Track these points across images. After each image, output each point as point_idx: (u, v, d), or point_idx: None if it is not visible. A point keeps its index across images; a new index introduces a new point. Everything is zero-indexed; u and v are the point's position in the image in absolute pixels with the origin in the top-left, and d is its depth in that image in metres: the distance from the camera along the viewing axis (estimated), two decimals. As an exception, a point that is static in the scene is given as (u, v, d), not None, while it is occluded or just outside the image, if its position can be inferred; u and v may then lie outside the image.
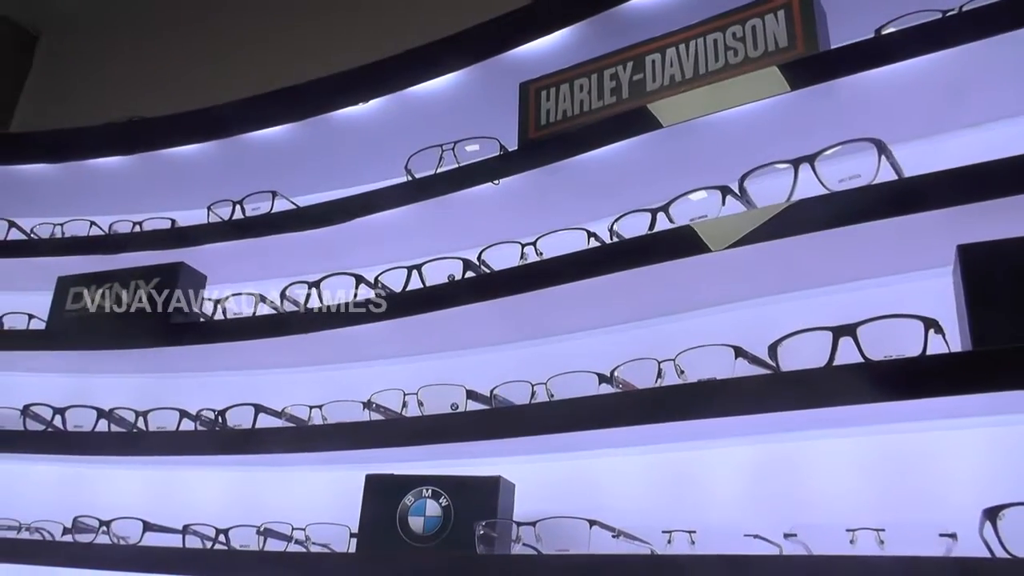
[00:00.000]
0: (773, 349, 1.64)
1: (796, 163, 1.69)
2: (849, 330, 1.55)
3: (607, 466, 2.05)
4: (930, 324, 1.50)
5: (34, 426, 2.65)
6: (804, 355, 1.59)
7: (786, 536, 1.58)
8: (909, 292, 1.74)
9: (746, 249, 1.71)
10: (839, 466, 1.76)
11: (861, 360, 1.52)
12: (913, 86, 1.74)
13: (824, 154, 1.67)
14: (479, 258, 2.16)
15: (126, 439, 2.47)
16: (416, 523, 2.00)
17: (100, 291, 2.74)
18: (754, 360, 1.67)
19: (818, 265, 1.78)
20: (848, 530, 1.56)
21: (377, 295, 2.25)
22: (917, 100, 1.78)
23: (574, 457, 2.09)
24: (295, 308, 2.40)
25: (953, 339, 1.50)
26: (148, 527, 2.31)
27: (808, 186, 1.67)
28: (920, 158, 1.66)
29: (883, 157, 1.62)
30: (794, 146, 1.73)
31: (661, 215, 1.88)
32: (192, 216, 2.83)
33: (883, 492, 1.70)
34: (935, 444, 1.66)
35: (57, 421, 2.61)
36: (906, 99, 1.78)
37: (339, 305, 2.28)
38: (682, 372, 1.74)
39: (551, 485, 2.07)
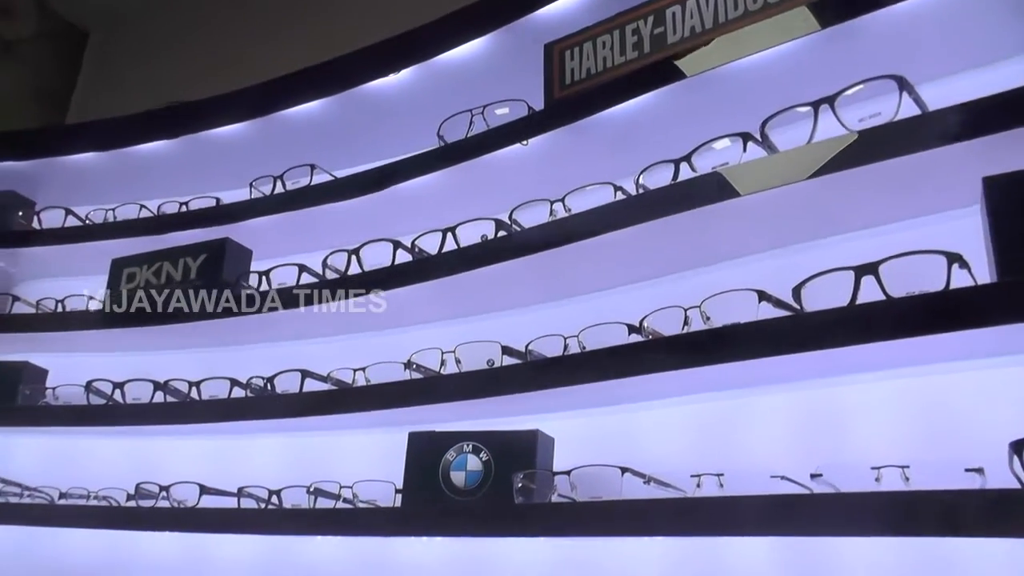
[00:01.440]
0: (797, 292, 1.65)
1: (816, 105, 1.69)
2: (871, 268, 1.54)
3: (641, 420, 2.09)
4: (953, 259, 1.49)
5: (97, 401, 2.75)
6: (828, 298, 1.60)
7: (812, 477, 1.59)
8: (936, 234, 1.72)
9: (769, 194, 1.72)
10: (867, 409, 1.77)
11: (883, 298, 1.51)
12: (936, 21, 1.72)
13: (845, 94, 1.67)
14: (510, 217, 2.19)
15: (181, 408, 2.55)
16: (458, 477, 2.05)
17: (151, 270, 2.83)
18: (778, 303, 1.68)
19: (842, 209, 1.78)
20: (873, 468, 1.56)
21: (413, 257, 2.30)
22: (938, 38, 1.76)
23: (608, 412, 2.13)
24: (336, 276, 2.45)
25: (981, 276, 1.49)
26: (205, 490, 2.40)
27: (830, 130, 1.67)
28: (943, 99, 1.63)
29: (905, 94, 1.61)
30: (815, 92, 1.73)
31: (684, 165, 1.89)
32: (236, 195, 2.90)
33: (910, 432, 1.70)
34: (961, 383, 1.66)
35: (117, 395, 2.70)
36: (927, 36, 1.76)
37: (375, 271, 2.32)
38: (708, 319, 1.76)
39: (587, 440, 2.10)
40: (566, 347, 1.99)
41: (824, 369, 1.73)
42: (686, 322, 1.80)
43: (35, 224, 3.26)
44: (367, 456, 2.41)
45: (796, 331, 1.59)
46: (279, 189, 2.75)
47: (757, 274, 1.94)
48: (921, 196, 1.71)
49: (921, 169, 1.60)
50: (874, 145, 1.59)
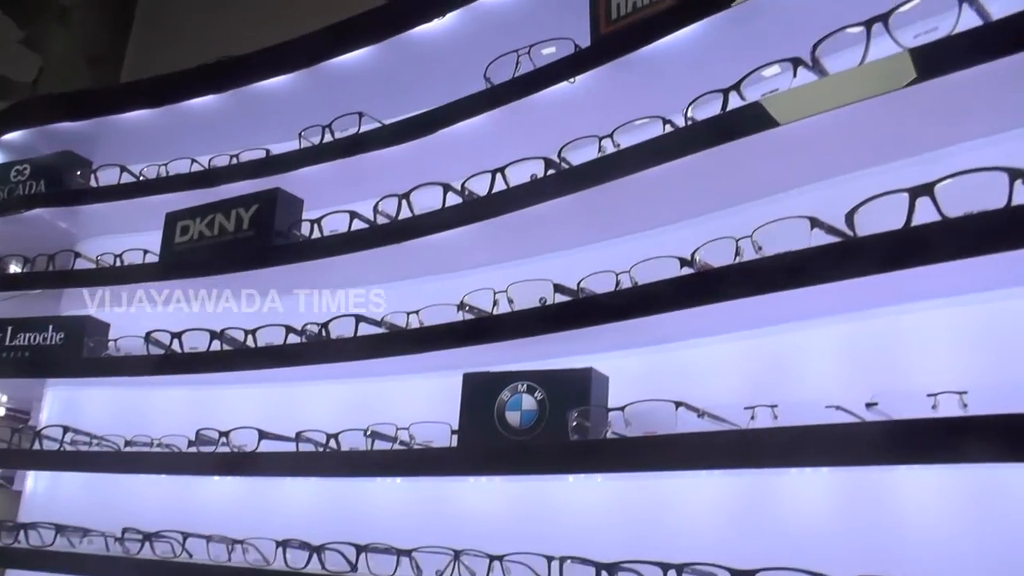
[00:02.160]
0: (850, 217, 1.63)
1: (869, 24, 1.66)
2: (926, 189, 1.52)
3: (694, 357, 2.10)
4: (1016, 174, 1.44)
5: (156, 352, 2.83)
6: (882, 224, 1.57)
7: (868, 406, 1.59)
8: (993, 156, 1.65)
9: (820, 121, 1.70)
10: (924, 338, 1.76)
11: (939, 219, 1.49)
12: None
13: (899, 11, 1.63)
14: (559, 155, 2.19)
15: (237, 355, 2.61)
16: (513, 417, 2.08)
17: (205, 222, 2.89)
18: (831, 230, 1.67)
19: (895, 134, 1.75)
20: (930, 395, 1.55)
21: (464, 200, 2.33)
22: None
23: (661, 351, 2.15)
24: (387, 221, 2.48)
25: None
26: (263, 435, 2.47)
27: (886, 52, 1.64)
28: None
29: (964, 5, 1.56)
30: (866, 15, 1.69)
31: (733, 95, 1.87)
32: (285, 147, 2.94)
33: (969, 360, 1.68)
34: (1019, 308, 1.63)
35: (175, 345, 2.77)
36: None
37: (426, 214, 2.34)
38: (759, 248, 1.75)
39: (641, 379, 2.10)
40: (618, 283, 2.00)
41: (878, 297, 1.72)
42: (738, 253, 1.79)
43: (92, 182, 3.34)
44: (422, 401, 2.45)
45: (850, 255, 1.58)
46: (328, 138, 2.79)
47: (810, 205, 1.91)
48: (977, 116, 1.67)
49: (978, 86, 1.56)
50: (931, 61, 1.54)
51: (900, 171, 1.80)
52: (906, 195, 1.54)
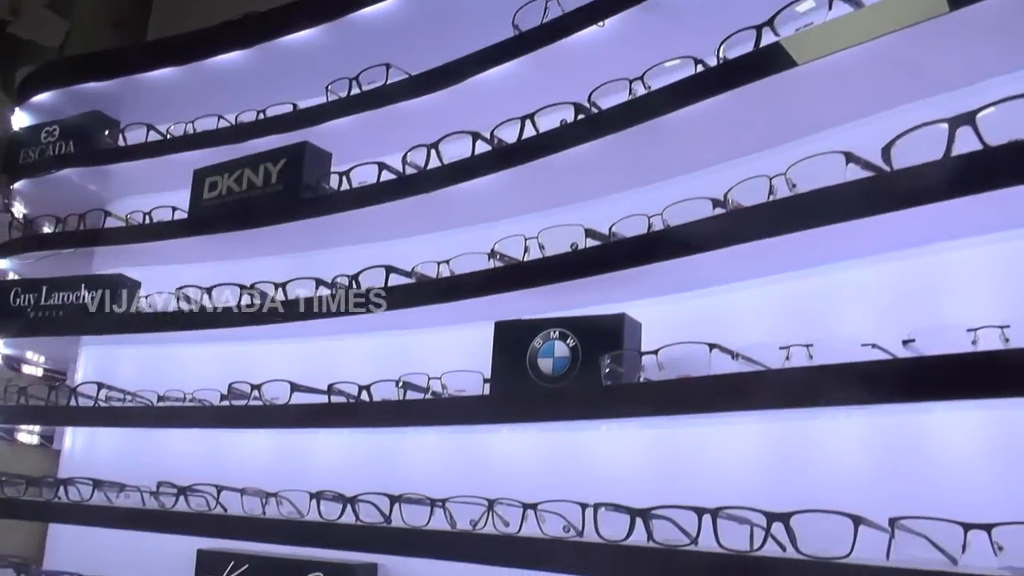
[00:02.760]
0: (886, 151, 1.61)
1: (905, -48, 1.62)
2: (967, 118, 1.49)
3: (727, 302, 2.10)
4: None
5: (187, 307, 2.86)
6: (921, 158, 1.55)
7: (905, 343, 1.58)
8: None
9: (857, 53, 1.67)
10: (963, 275, 1.74)
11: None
12: None
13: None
14: (589, 100, 2.18)
15: (268, 308, 2.64)
16: (545, 364, 2.09)
17: (233, 177, 2.91)
18: (867, 165, 1.64)
19: (936, 62, 1.72)
20: (969, 330, 1.53)
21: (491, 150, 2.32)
22: None
23: (694, 296, 2.15)
24: (416, 171, 2.48)
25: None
26: (296, 388, 2.49)
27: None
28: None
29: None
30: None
31: (767, 31, 1.85)
32: (313, 102, 2.94)
33: (1010, 297, 1.66)
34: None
35: (206, 300, 2.81)
36: None
37: (455, 162, 2.35)
38: (794, 186, 1.74)
39: (674, 325, 2.10)
40: (650, 226, 1.99)
41: (916, 234, 1.70)
42: (771, 191, 1.77)
43: (120, 142, 3.38)
44: (454, 352, 2.45)
45: (886, 188, 1.56)
46: (355, 91, 2.79)
47: (846, 145, 1.89)
48: (1019, 45, 1.64)
49: (1020, 12, 1.53)
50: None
51: (940, 106, 1.76)
52: (946, 125, 1.51)
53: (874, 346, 1.58)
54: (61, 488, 2.88)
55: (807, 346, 1.71)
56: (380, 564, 2.55)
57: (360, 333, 2.71)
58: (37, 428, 3.57)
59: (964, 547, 1.40)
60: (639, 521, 1.77)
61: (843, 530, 1.49)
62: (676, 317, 2.13)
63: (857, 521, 1.49)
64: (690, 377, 1.79)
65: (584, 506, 1.89)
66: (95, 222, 3.24)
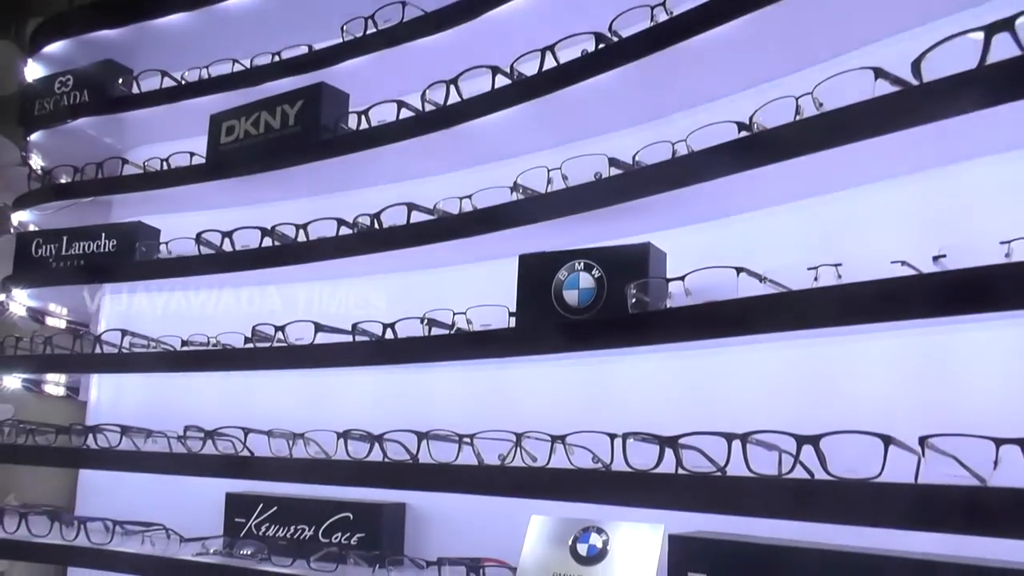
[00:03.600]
0: (916, 65, 1.59)
1: None
2: (1005, 24, 1.46)
3: (753, 230, 2.10)
4: None
5: (208, 252, 2.90)
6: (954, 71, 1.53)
7: (935, 259, 1.57)
8: None
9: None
10: (995, 191, 1.72)
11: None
12: None
13: None
14: (610, 29, 2.17)
15: (290, 250, 2.66)
16: (571, 296, 2.10)
17: (250, 121, 2.92)
18: (896, 81, 1.63)
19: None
20: (1003, 242, 1.53)
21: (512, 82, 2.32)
22: None
23: (719, 226, 2.15)
24: (435, 108, 2.48)
25: None
26: (320, 328, 2.52)
27: None
28: None
29: None
30: None
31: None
32: (328, 44, 2.93)
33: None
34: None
35: (226, 245, 2.83)
36: None
37: (475, 97, 2.34)
38: (820, 105, 1.73)
39: (699, 255, 2.08)
40: (674, 152, 1.99)
41: (945, 151, 1.70)
42: (798, 112, 1.76)
43: (134, 90, 3.38)
44: (478, 290, 2.44)
45: (917, 102, 1.55)
46: (371, 30, 2.78)
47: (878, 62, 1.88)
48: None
49: None
50: None
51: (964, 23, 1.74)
52: (981, 33, 1.49)
53: (903, 263, 1.58)
54: (90, 436, 2.93)
55: (836, 266, 1.71)
56: (408, 504, 2.60)
57: (384, 273, 2.73)
58: (63, 379, 3.64)
59: (996, 463, 1.41)
60: (668, 452, 1.79)
61: (873, 452, 1.51)
62: (702, 247, 2.13)
63: (887, 441, 1.50)
64: (718, 301, 1.79)
65: (612, 436, 1.91)
66: (113, 170, 3.25)
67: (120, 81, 3.44)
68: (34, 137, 3.62)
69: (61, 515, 3.00)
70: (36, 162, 3.64)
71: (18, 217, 3.55)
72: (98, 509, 3.01)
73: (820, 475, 1.57)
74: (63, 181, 3.43)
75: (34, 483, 3.97)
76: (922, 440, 1.48)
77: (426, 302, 2.46)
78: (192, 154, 3.07)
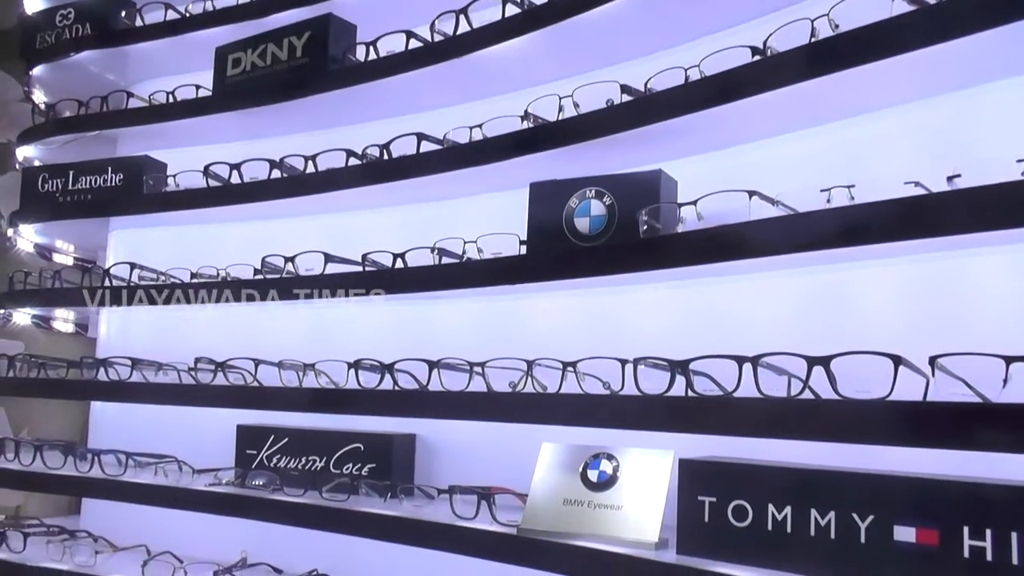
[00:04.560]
0: (934, -15, 1.60)
1: None
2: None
3: (765, 157, 2.12)
4: None
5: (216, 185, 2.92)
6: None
7: (949, 179, 1.58)
8: None
9: None
10: (1011, 113, 1.73)
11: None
12: None
13: None
14: (624, -51, 2.16)
15: (299, 181, 2.68)
16: (582, 223, 2.13)
17: (256, 53, 2.92)
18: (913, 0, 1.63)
19: None
20: (1020, 160, 1.54)
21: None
22: None
23: (730, 155, 2.18)
24: (443, 38, 2.48)
25: None
26: (329, 259, 2.55)
27: None
28: None
29: None
30: None
31: None
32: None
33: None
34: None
35: (235, 177, 2.85)
36: None
37: (485, 26, 2.35)
38: (836, 27, 1.73)
39: (711, 184, 2.10)
40: (687, 79, 1.99)
41: (958, 77, 1.70)
42: (813, 35, 1.77)
43: (137, 23, 3.37)
44: (489, 221, 2.45)
45: (929, 20, 1.55)
46: (378, -43, 2.77)
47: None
48: None
49: None
50: None
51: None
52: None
53: (917, 184, 1.60)
54: (100, 369, 2.97)
55: (848, 187, 1.72)
56: (418, 435, 2.65)
57: (393, 205, 2.76)
58: (72, 316, 3.68)
59: (1005, 380, 1.44)
60: (679, 380, 1.82)
61: (882, 375, 1.54)
62: (713, 175, 2.14)
63: (897, 361, 1.54)
64: (730, 224, 1.81)
65: (623, 362, 1.94)
66: (118, 104, 3.26)
67: (123, 14, 3.42)
68: (36, 71, 3.62)
69: (75, 448, 3.06)
70: (39, 97, 3.65)
71: (23, 152, 3.57)
72: (109, 445, 3.07)
73: (829, 397, 1.60)
74: (67, 115, 3.43)
75: (46, 419, 4.05)
76: (932, 360, 1.51)
77: (436, 234, 2.48)
78: (198, 87, 3.07)
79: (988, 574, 1.42)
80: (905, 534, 1.53)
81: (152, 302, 2.90)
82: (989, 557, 1.43)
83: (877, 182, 1.72)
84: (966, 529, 1.46)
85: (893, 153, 1.89)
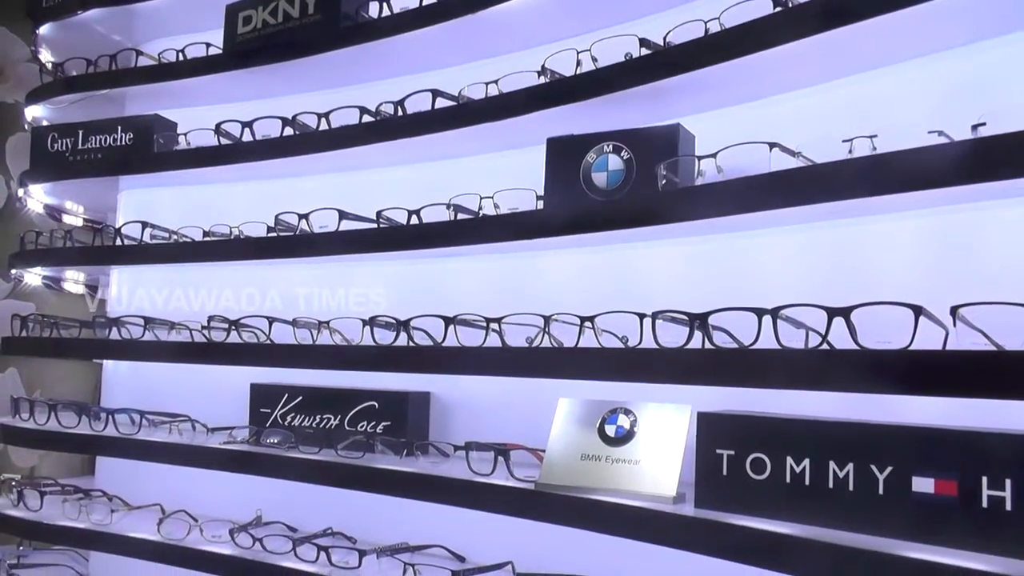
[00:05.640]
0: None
1: None
2: None
3: (785, 112, 2.11)
4: None
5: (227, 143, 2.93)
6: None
7: (974, 128, 1.59)
8: None
9: None
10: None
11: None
12: None
13: None
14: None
15: (312, 138, 2.69)
16: (599, 178, 2.14)
17: (267, 10, 2.92)
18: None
19: None
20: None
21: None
22: None
23: (747, 109, 2.18)
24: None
25: None
26: (344, 215, 2.56)
27: None
28: None
29: None
30: None
31: None
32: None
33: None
34: None
35: (247, 136, 2.87)
36: None
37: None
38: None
39: (730, 138, 2.11)
40: (707, 31, 1.99)
41: (970, 30, 1.70)
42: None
43: (147, -20, 3.37)
44: (505, 179, 2.42)
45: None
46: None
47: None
48: None
49: None
50: None
51: None
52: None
53: (940, 133, 1.60)
54: (113, 328, 3.00)
55: (871, 137, 1.73)
56: (433, 393, 2.68)
57: (408, 163, 2.77)
58: (82, 277, 3.70)
59: (1027, 332, 1.46)
60: (697, 335, 1.84)
61: (902, 327, 1.55)
62: (731, 130, 2.13)
63: (918, 312, 1.55)
64: (751, 175, 1.81)
65: (642, 316, 1.96)
66: (127, 62, 3.26)
67: (131, -29, 3.42)
68: (43, 31, 3.61)
69: (89, 408, 3.09)
70: (46, 57, 3.65)
71: (31, 112, 3.57)
72: (122, 405, 3.10)
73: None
74: (75, 74, 3.43)
75: (58, 380, 4.09)
76: (954, 309, 1.52)
77: (452, 193, 2.48)
78: (208, 45, 3.07)
79: (1007, 524, 1.44)
80: (923, 485, 1.54)
81: (168, 260, 2.91)
82: (1008, 507, 1.44)
83: (900, 132, 1.74)
84: (984, 479, 1.47)
85: (915, 105, 1.89)
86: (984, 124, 1.55)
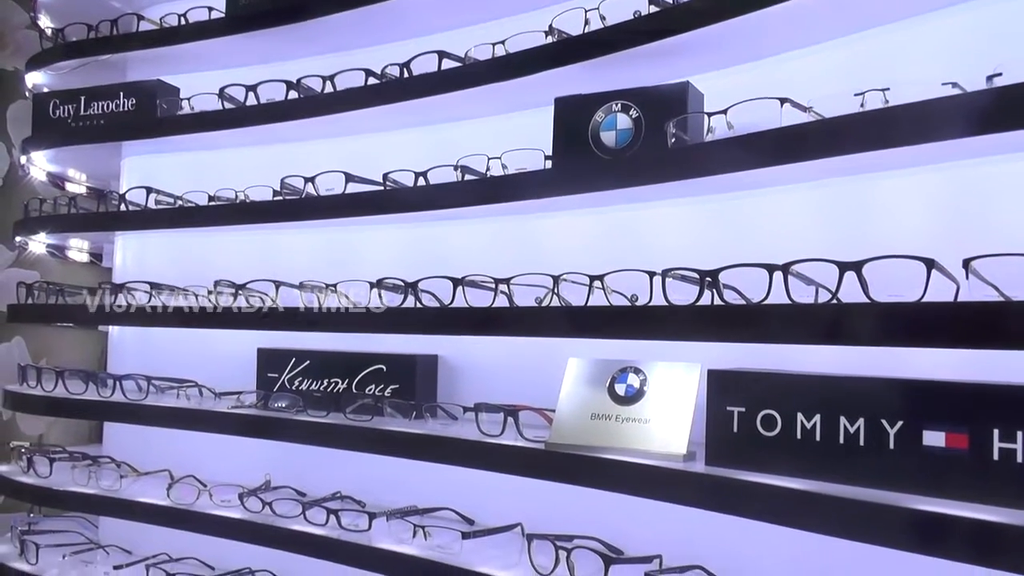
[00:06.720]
0: None
1: None
2: None
3: (794, 70, 2.11)
4: None
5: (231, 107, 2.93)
6: None
7: (989, 79, 1.58)
8: None
9: None
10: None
11: None
12: None
13: None
14: None
15: (317, 102, 2.70)
16: (608, 137, 2.14)
17: (271, -27, 2.91)
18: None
19: None
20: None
21: None
22: None
23: (757, 67, 2.17)
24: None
25: None
26: (350, 178, 2.57)
27: None
28: None
29: None
30: None
31: None
32: None
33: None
34: None
35: (250, 99, 2.86)
36: None
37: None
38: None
39: (739, 96, 2.10)
40: (715, -11, 1.99)
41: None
42: (848, -63, 1.76)
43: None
44: (513, 140, 2.42)
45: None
46: None
47: None
48: None
49: None
50: None
51: None
52: None
53: (954, 84, 1.60)
54: (119, 294, 3.01)
55: (883, 90, 1.73)
56: (440, 356, 2.69)
57: (414, 127, 2.77)
58: (86, 245, 3.72)
59: (1039, 284, 1.46)
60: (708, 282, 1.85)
61: (913, 282, 1.55)
62: (740, 89, 2.13)
63: (930, 265, 1.55)
64: (759, 131, 1.81)
65: (651, 274, 1.96)
66: (128, 27, 3.25)
67: (131, -67, 3.41)
68: (41, -6, 3.61)
69: (96, 375, 3.11)
70: (45, 22, 3.64)
71: (32, 79, 3.57)
72: (131, 367, 3.13)
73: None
74: (76, 40, 3.42)
75: (64, 349, 4.11)
76: (966, 262, 1.52)
77: (459, 155, 2.49)
78: (211, 9, 3.06)
79: (1018, 476, 1.45)
80: (934, 439, 1.55)
81: (173, 225, 2.92)
82: (1019, 459, 1.45)
83: (913, 87, 1.74)
84: (995, 432, 1.48)
85: (929, 60, 1.88)
86: (1000, 75, 1.55)
